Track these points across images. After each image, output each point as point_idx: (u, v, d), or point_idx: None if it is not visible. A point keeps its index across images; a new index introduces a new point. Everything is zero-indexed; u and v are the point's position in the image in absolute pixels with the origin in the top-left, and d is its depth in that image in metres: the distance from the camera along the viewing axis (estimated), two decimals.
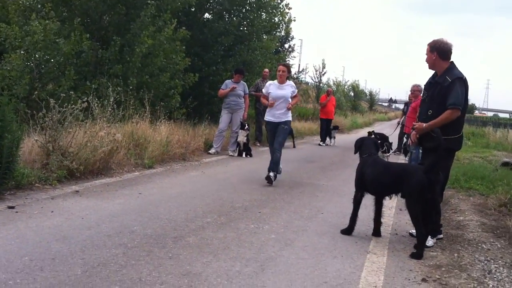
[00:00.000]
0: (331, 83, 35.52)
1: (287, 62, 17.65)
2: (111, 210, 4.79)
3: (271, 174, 6.90)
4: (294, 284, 3.29)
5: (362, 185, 4.64)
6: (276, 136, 7.15)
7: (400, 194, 4.50)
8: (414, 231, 4.45)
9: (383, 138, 9.86)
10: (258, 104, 11.98)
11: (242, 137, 9.99)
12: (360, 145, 4.88)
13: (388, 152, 10.06)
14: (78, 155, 6.16)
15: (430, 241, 4.41)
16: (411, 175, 4.28)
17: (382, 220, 4.72)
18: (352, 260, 3.90)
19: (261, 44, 14.26)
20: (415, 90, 10.05)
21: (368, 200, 4.79)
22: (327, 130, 14.94)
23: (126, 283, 3.05)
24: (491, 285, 3.53)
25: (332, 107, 15.26)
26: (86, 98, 6.77)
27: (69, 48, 8.97)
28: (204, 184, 6.67)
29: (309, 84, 35.33)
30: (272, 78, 10.68)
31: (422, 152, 4.80)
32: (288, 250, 4.02)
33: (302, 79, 33.59)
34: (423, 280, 3.59)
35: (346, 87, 41.85)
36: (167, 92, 10.85)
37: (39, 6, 10.19)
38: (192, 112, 12.16)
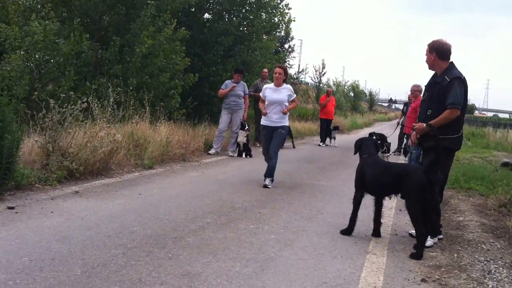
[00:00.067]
0: (331, 83, 35.52)
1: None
2: (111, 211, 4.79)
3: (267, 182, 6.83)
4: (294, 285, 3.29)
5: (362, 185, 4.64)
6: (272, 141, 6.97)
7: (400, 194, 4.52)
8: (413, 231, 4.46)
9: (382, 138, 9.86)
10: (257, 104, 11.98)
11: (242, 138, 9.99)
12: (359, 146, 4.89)
13: (388, 152, 10.06)
14: (78, 156, 6.16)
15: (429, 241, 4.41)
16: (410, 175, 4.28)
17: (382, 220, 4.73)
18: (351, 261, 3.90)
19: (261, 45, 14.25)
20: (415, 90, 10.06)
21: (368, 201, 4.79)
22: (327, 130, 14.94)
23: (125, 284, 3.05)
24: (490, 286, 3.53)
25: (332, 107, 15.26)
26: (86, 99, 6.78)
27: (69, 48, 8.97)
28: (204, 184, 6.67)
29: (309, 85, 35.32)
30: (272, 78, 10.66)
31: (423, 153, 4.81)
32: (288, 250, 4.02)
33: (302, 79, 33.58)
34: (423, 280, 3.59)
35: (346, 87, 41.85)
36: (167, 92, 10.85)
37: (39, 6, 10.19)
38: (192, 112, 12.16)
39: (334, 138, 15.12)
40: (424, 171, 4.20)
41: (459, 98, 4.31)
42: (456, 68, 4.48)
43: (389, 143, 10.41)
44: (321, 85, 29.03)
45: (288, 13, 15.96)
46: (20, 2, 10.27)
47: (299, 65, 56.85)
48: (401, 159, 11.21)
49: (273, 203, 5.78)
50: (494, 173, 8.31)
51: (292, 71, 27.49)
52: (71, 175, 6.01)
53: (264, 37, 14.94)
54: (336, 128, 15.62)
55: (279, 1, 15.75)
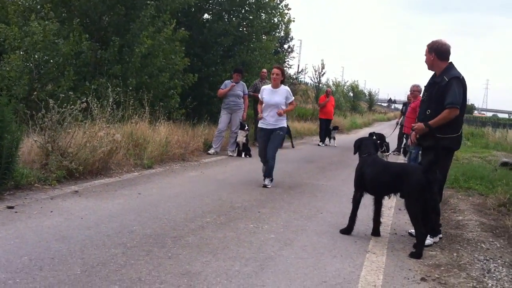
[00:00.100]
0: (331, 83, 35.50)
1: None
2: (111, 210, 4.79)
3: (267, 182, 6.82)
4: (294, 284, 3.29)
5: (362, 185, 4.65)
6: (269, 142, 6.86)
7: (399, 193, 4.52)
8: (413, 230, 4.46)
9: (381, 138, 9.87)
10: (257, 105, 11.97)
11: (241, 138, 9.99)
12: (359, 145, 4.89)
13: (388, 151, 10.07)
14: (77, 156, 6.16)
15: (429, 240, 4.41)
16: (410, 174, 4.29)
17: (381, 219, 4.73)
18: (351, 260, 3.91)
19: (261, 45, 14.25)
20: (414, 90, 10.06)
21: (368, 200, 4.80)
22: (326, 130, 14.94)
23: (125, 283, 3.05)
24: (490, 284, 3.53)
25: (331, 107, 15.27)
26: (85, 99, 6.78)
27: (68, 48, 8.97)
28: (203, 184, 6.67)
29: (309, 85, 35.32)
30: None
31: (422, 152, 4.82)
32: (288, 249, 4.02)
33: (301, 79, 33.59)
34: (422, 279, 3.60)
35: (345, 87, 41.84)
36: (167, 92, 10.85)
37: (39, 6, 10.20)
38: (191, 112, 12.16)
39: (334, 138, 15.12)
40: (423, 171, 4.21)
41: (457, 97, 4.32)
42: (455, 68, 4.49)
43: (388, 143, 10.43)
44: (320, 85, 29.02)
45: (287, 13, 15.97)
46: (19, 3, 10.28)
47: (298, 65, 56.95)
48: (401, 159, 11.22)
49: (272, 203, 5.78)
50: (494, 172, 8.31)
51: (291, 71, 27.51)
52: (70, 174, 6.01)
53: (263, 37, 14.94)
54: (336, 128, 15.62)
55: (278, 2, 15.77)
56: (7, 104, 5.23)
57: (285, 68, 22.98)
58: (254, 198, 5.94)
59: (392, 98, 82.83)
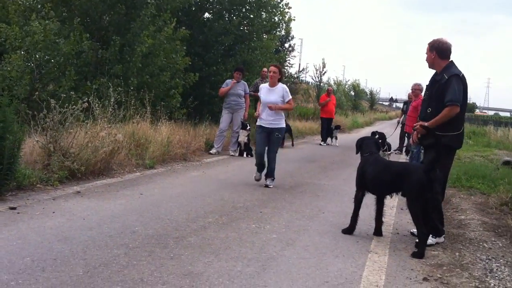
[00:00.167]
0: (332, 82, 35.48)
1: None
2: (113, 211, 4.80)
3: (268, 182, 6.83)
4: (296, 284, 3.29)
5: (363, 184, 4.64)
6: (270, 145, 6.85)
7: (400, 193, 4.52)
8: (415, 230, 4.45)
9: (382, 136, 9.87)
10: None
11: (243, 137, 9.99)
12: (360, 145, 4.89)
13: (389, 150, 10.06)
14: (79, 156, 6.16)
15: (431, 240, 4.40)
16: (411, 173, 4.28)
17: (383, 219, 4.72)
18: (353, 260, 3.90)
19: (261, 44, 14.25)
20: (415, 89, 10.05)
21: (369, 200, 4.79)
22: (327, 129, 14.93)
23: (128, 283, 3.05)
24: (492, 284, 3.53)
25: (333, 106, 15.25)
26: (86, 99, 6.78)
27: (69, 48, 8.97)
28: (205, 184, 6.67)
29: (310, 84, 35.28)
30: None
31: (423, 151, 4.81)
32: (290, 249, 4.02)
33: (303, 78, 33.54)
34: (425, 279, 3.59)
35: (346, 86, 41.81)
36: (168, 92, 10.85)
37: (39, 6, 10.20)
38: (192, 112, 12.16)
39: (336, 138, 15.10)
40: (424, 169, 4.20)
41: (457, 95, 4.31)
42: (455, 66, 4.48)
43: (389, 143, 10.42)
44: (321, 84, 28.99)
45: (288, 12, 15.94)
46: (20, 2, 10.27)
47: (299, 64, 56.84)
48: (402, 158, 11.21)
49: (274, 203, 5.78)
50: (496, 171, 8.30)
51: (292, 70, 27.46)
52: (72, 175, 6.01)
53: (264, 36, 14.93)
54: (338, 127, 15.60)
55: (279, 0, 15.73)
56: (8, 104, 5.22)
57: (286, 67, 23.03)
58: (256, 198, 5.94)
59: (394, 97, 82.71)
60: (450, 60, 4.52)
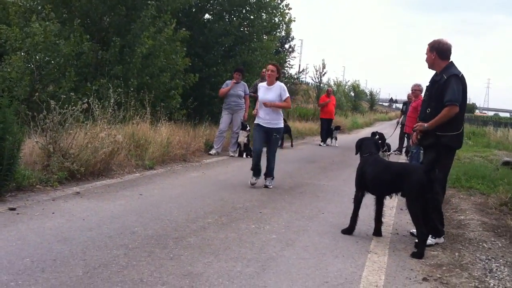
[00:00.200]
0: (332, 83, 35.51)
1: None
2: (112, 211, 4.80)
3: (268, 182, 6.83)
4: (296, 284, 3.29)
5: (363, 185, 4.65)
6: (268, 146, 6.88)
7: (400, 193, 4.52)
8: (415, 230, 4.46)
9: (381, 137, 9.88)
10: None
11: (242, 138, 9.99)
12: (360, 145, 4.90)
13: (389, 151, 10.07)
14: (79, 157, 6.17)
15: (430, 240, 4.40)
16: (411, 174, 4.28)
17: (383, 219, 4.73)
18: (353, 260, 3.90)
19: (261, 45, 14.25)
20: (415, 89, 10.05)
21: (369, 200, 4.80)
22: (327, 130, 14.93)
23: (127, 284, 3.05)
24: (492, 284, 3.53)
25: (332, 107, 15.25)
26: (86, 100, 6.78)
27: (69, 49, 8.98)
28: (204, 185, 6.67)
29: (310, 85, 35.29)
30: None
31: (423, 151, 4.82)
32: (289, 250, 4.02)
33: (303, 79, 33.55)
34: (424, 279, 3.59)
35: (346, 87, 41.85)
36: (168, 93, 10.85)
37: (39, 7, 10.21)
38: (192, 113, 12.16)
39: (336, 138, 15.10)
40: (424, 170, 4.20)
41: (456, 95, 4.31)
42: (455, 67, 4.49)
43: (389, 144, 10.43)
44: (321, 85, 29.02)
45: (288, 13, 15.96)
46: (20, 4, 10.28)
47: (299, 65, 56.69)
48: (402, 159, 11.21)
49: (274, 203, 5.78)
50: (495, 172, 8.30)
51: (292, 71, 27.46)
52: (72, 176, 6.01)
53: (264, 37, 14.93)
54: (338, 128, 15.60)
55: (279, 1, 15.75)
56: (8, 105, 5.22)
57: (286, 68, 23.03)
58: (256, 199, 5.94)
59: (394, 98, 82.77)
60: (450, 60, 4.53)
